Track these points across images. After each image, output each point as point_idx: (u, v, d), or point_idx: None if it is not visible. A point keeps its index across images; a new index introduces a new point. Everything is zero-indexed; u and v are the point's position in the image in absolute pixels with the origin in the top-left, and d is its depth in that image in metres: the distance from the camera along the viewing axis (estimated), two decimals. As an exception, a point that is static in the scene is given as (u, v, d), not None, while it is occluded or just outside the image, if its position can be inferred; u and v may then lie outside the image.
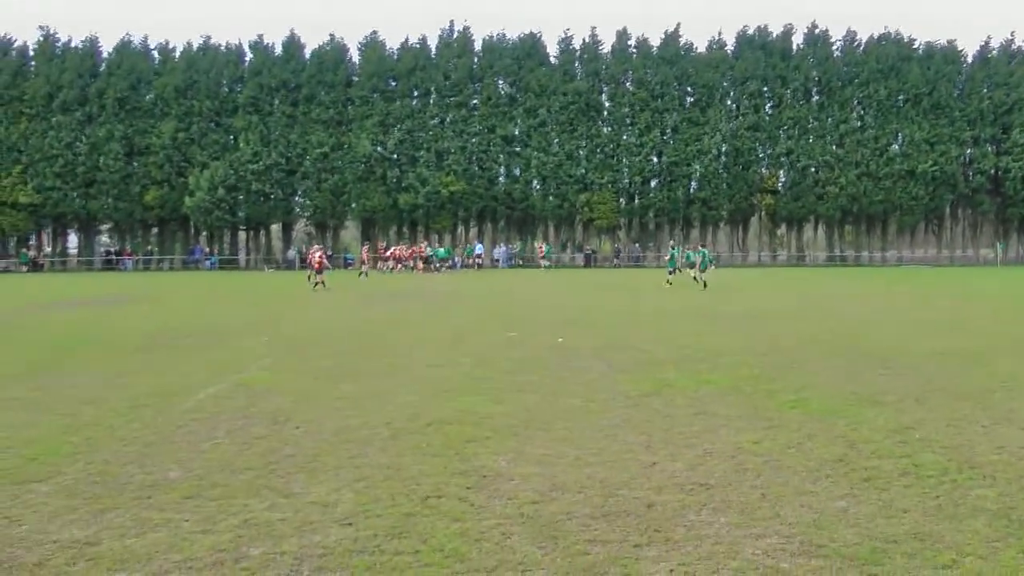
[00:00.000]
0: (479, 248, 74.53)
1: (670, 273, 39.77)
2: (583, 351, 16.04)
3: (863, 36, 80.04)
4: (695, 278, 37.63)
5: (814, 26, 79.56)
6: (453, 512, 6.53)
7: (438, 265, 64.87)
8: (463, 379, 12.84)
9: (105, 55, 78.19)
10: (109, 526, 6.27)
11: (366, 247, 60.11)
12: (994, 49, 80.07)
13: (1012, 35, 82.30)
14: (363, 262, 55.50)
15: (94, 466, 7.98)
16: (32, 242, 78.67)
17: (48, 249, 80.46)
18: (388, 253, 62.21)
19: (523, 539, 5.97)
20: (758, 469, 7.84)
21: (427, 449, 8.48)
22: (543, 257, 68.96)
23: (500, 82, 77.79)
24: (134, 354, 16.25)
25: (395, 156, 75.48)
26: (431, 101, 77.44)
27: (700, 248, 42.12)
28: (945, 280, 47.59)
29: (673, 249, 42.08)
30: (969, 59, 79.79)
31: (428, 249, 66.62)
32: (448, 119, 77.32)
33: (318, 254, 41.12)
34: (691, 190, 76.96)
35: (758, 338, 18.17)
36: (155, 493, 7.06)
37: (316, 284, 39.07)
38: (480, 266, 70.39)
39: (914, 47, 79.20)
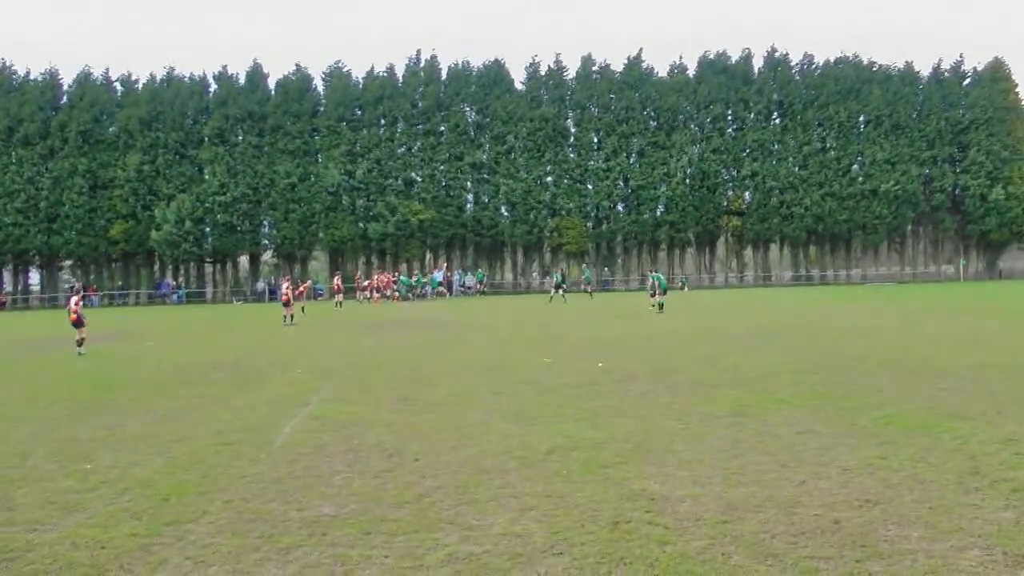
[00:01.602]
0: (438, 276, 72.84)
1: (652, 296, 39.04)
2: (635, 375, 16.01)
3: (820, 59, 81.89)
4: (657, 304, 36.74)
5: (773, 50, 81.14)
6: (653, 535, 6.47)
7: (426, 292, 64.87)
8: (539, 406, 12.73)
9: (66, 87, 77.05)
10: (309, 564, 6.09)
11: (338, 277, 59.30)
12: (946, 70, 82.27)
13: (961, 56, 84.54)
14: (337, 291, 54.62)
15: (234, 504, 7.78)
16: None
17: (8, 287, 78.63)
18: (366, 283, 61.51)
19: (745, 558, 5.95)
20: (906, 484, 7.89)
21: (571, 476, 8.38)
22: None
23: (467, 109, 78.00)
24: (180, 390, 15.88)
25: (364, 185, 75.08)
26: (398, 130, 77.41)
27: (654, 272, 41.78)
28: (923, 296, 48.44)
29: (654, 274, 41.89)
30: (924, 80, 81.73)
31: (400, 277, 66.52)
32: (416, 147, 77.31)
33: (284, 286, 39.07)
34: (658, 213, 77.50)
35: (794, 357, 18.31)
36: (328, 530, 6.88)
37: (285, 318, 36.07)
38: (441, 295, 68.94)
39: (873, 69, 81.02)
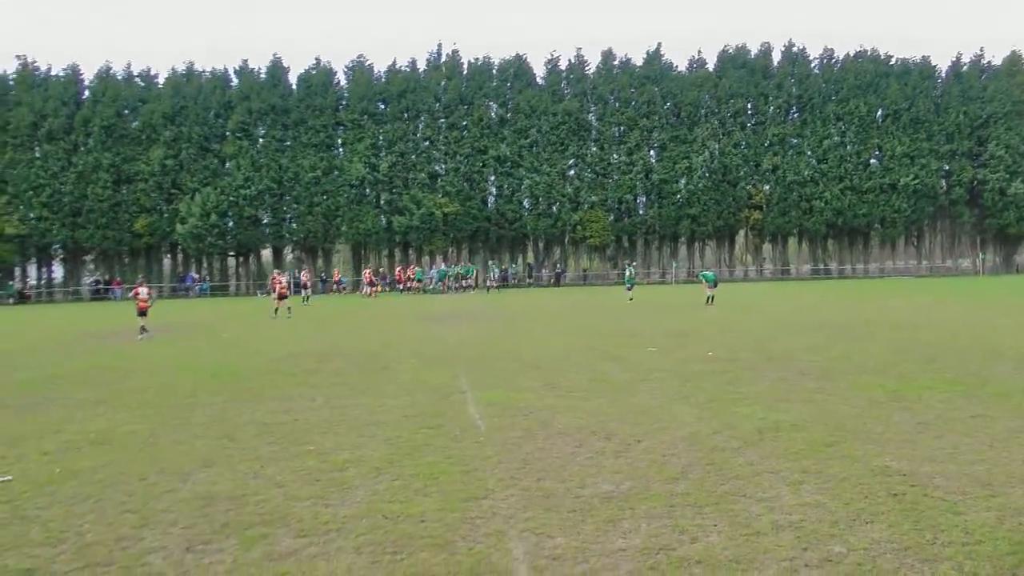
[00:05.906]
0: (435, 272, 71.02)
1: (628, 290, 43.83)
2: (754, 364, 16.52)
3: (839, 54, 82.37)
4: (708, 298, 38.00)
5: (791, 44, 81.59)
6: (941, 507, 7.07)
7: (462, 284, 65.08)
8: (698, 392, 13.24)
9: (87, 83, 77.30)
10: (650, 534, 6.61)
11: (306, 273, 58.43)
12: (965, 64, 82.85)
13: (981, 51, 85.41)
14: (304, 286, 53.05)
15: (505, 482, 8.27)
16: (17, 273, 77.25)
17: (33, 281, 79.00)
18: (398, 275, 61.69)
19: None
20: (1124, 462, 8.47)
21: (803, 454, 8.93)
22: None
23: (490, 103, 78.40)
24: (310, 378, 16.33)
25: (388, 179, 75.57)
26: (422, 123, 77.82)
27: (630, 265, 47.29)
28: (960, 290, 48.99)
29: (629, 267, 46.75)
30: (943, 75, 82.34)
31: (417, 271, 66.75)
32: (439, 141, 77.73)
33: (284, 280, 39.69)
34: (680, 207, 77.99)
35: (889, 348, 18.81)
36: (632, 504, 7.38)
37: (277, 310, 36.79)
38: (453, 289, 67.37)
39: (891, 64, 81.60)
